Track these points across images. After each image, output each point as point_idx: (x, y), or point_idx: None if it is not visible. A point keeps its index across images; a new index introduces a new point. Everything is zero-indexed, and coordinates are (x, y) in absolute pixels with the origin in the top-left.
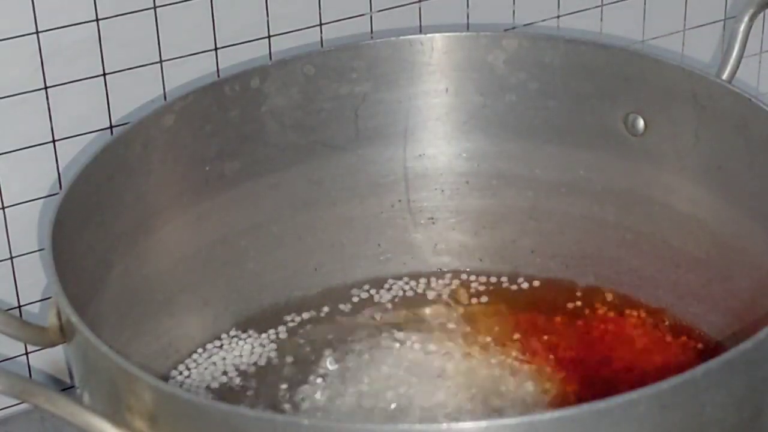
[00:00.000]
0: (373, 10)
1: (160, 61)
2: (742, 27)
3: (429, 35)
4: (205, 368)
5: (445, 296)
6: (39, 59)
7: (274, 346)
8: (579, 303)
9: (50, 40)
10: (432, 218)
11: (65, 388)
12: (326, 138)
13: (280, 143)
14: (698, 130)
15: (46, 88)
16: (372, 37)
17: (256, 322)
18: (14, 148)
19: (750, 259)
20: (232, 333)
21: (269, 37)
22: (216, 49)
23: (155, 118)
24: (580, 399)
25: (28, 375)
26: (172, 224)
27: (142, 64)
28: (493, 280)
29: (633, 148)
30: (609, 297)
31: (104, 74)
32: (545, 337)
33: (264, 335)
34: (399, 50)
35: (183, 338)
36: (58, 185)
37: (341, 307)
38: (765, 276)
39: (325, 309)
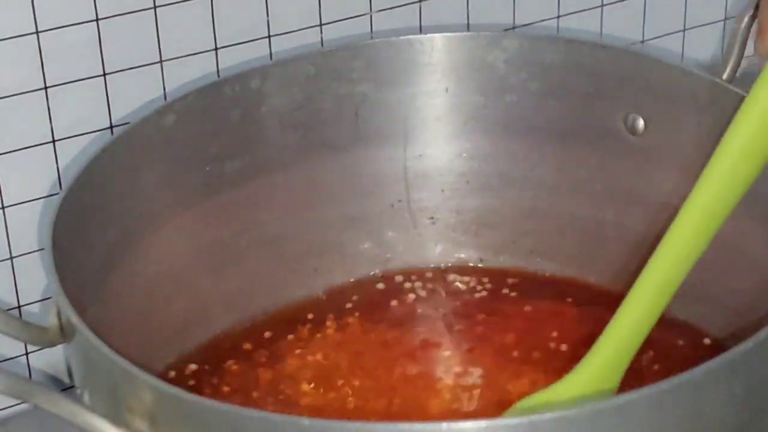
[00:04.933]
0: (373, 10)
1: (160, 61)
2: (742, 27)
3: (429, 35)
4: (206, 368)
5: (445, 296)
6: (39, 59)
7: (274, 346)
8: (579, 303)
9: (50, 40)
10: (432, 218)
11: (65, 388)
12: (326, 138)
13: (280, 143)
14: (698, 130)
15: (46, 88)
16: (372, 37)
17: (256, 322)
18: (14, 148)
19: (750, 259)
20: (232, 333)
21: (269, 37)
22: (216, 49)
23: (155, 118)
24: None
25: (28, 375)
26: (172, 224)
27: (142, 64)
28: (493, 280)
29: (633, 148)
30: (609, 297)
31: (104, 74)
32: (545, 336)
33: (264, 335)
34: (399, 50)
35: (183, 338)
36: (58, 185)
37: (341, 307)
38: (765, 276)
39: (325, 309)
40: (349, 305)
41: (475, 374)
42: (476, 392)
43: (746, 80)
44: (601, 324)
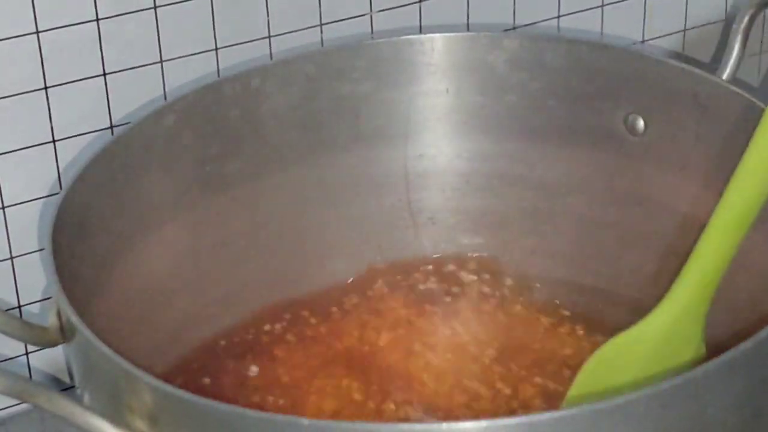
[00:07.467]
0: (373, 10)
1: (160, 61)
2: (742, 27)
3: (429, 35)
4: (206, 368)
5: (444, 296)
6: (39, 59)
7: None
8: (578, 303)
9: (50, 40)
10: (432, 218)
11: (65, 388)
12: (327, 138)
13: (281, 143)
14: (698, 130)
15: (46, 88)
16: (372, 37)
17: (256, 322)
18: (14, 148)
19: (750, 259)
20: (232, 333)
21: (269, 37)
22: (216, 49)
23: (155, 118)
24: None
25: (28, 375)
26: (172, 224)
27: (142, 64)
28: (494, 280)
29: (633, 148)
30: (609, 297)
31: (104, 74)
32: (544, 336)
33: (264, 336)
34: (399, 50)
35: (183, 338)
36: (58, 185)
37: (341, 307)
38: (765, 276)
39: (325, 309)
40: (349, 305)
41: (471, 372)
42: (469, 391)
43: (746, 80)
44: (597, 323)
